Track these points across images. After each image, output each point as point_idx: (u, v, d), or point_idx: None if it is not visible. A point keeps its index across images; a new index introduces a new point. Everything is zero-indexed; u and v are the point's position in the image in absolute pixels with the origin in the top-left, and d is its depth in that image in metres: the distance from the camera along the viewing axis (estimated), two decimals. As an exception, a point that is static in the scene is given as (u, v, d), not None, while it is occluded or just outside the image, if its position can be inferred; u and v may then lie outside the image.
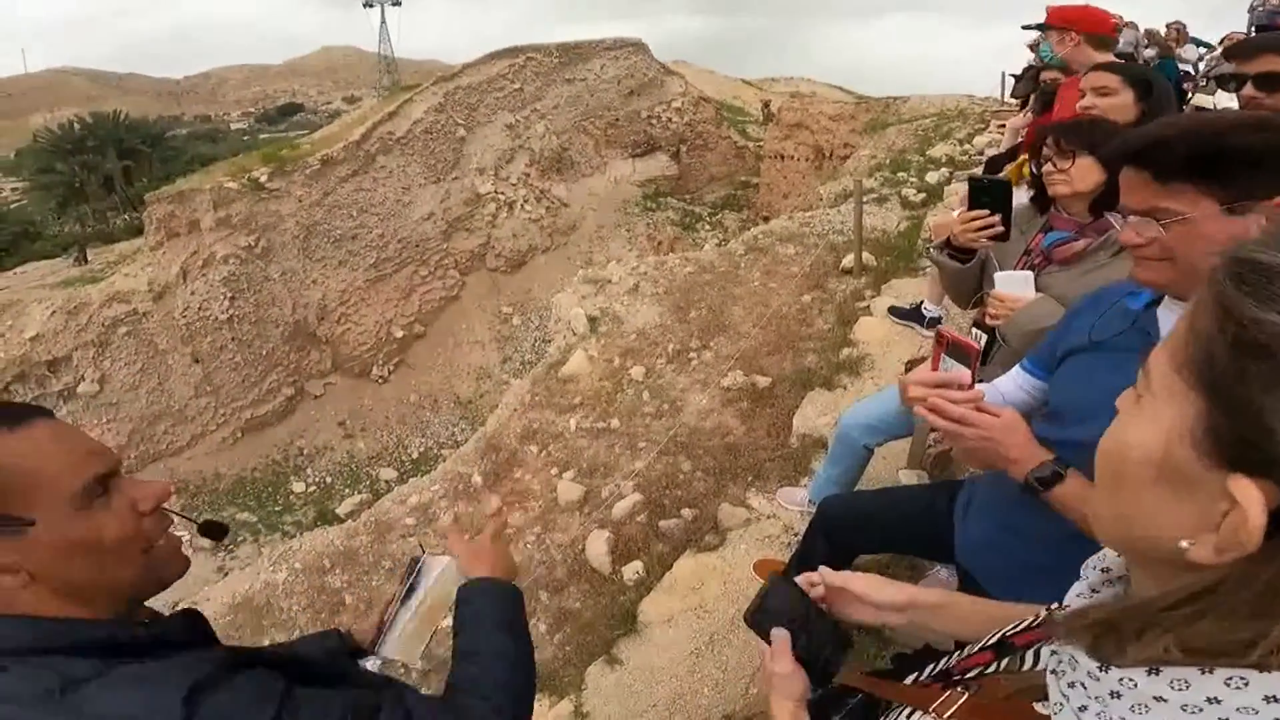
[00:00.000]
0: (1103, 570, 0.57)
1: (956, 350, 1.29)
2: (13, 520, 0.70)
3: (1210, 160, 0.99)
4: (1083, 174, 1.66)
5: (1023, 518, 1.31)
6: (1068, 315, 1.37)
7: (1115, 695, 0.45)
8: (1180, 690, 0.42)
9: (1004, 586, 1.38)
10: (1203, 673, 0.41)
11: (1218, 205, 0.99)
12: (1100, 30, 2.81)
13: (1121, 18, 9.87)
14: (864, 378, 4.37)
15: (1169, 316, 1.14)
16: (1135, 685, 0.44)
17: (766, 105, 29.01)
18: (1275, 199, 0.96)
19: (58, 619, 0.73)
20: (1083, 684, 0.48)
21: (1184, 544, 0.43)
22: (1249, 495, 0.39)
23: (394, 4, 67.16)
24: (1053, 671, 0.53)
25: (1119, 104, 2.08)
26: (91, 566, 0.76)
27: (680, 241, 20.04)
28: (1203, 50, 9.07)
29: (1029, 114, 5.61)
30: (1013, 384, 1.44)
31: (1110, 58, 2.83)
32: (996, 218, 1.74)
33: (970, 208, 1.79)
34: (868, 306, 5.37)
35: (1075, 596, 0.57)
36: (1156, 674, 0.43)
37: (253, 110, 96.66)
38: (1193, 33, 9.32)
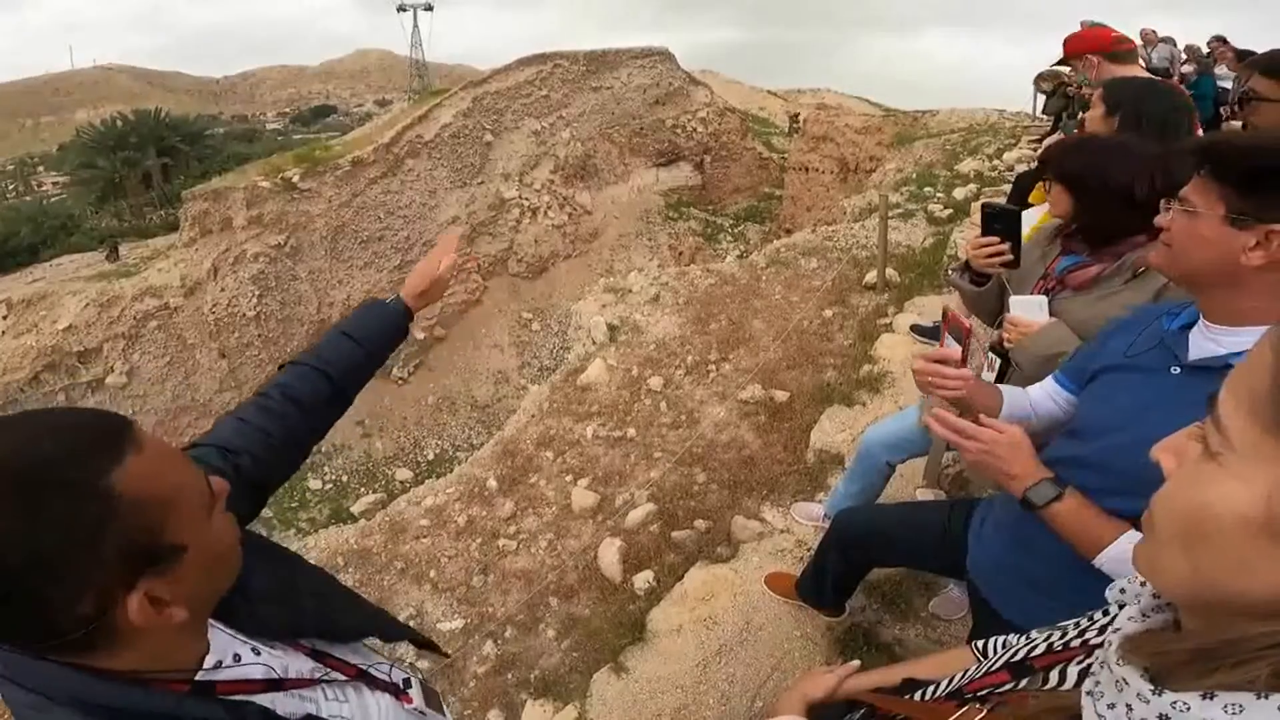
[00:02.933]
0: (1153, 595, 0.57)
1: (954, 328, 1.35)
2: (174, 550, 0.64)
3: (1234, 169, 1.03)
4: (1055, 199, 1.71)
5: (1033, 535, 1.31)
6: (1103, 333, 1.37)
7: (1163, 718, 0.45)
8: (1234, 714, 0.42)
9: (1011, 603, 1.38)
10: (1258, 698, 0.41)
11: (1225, 211, 1.03)
12: (1098, 46, 2.84)
13: (1155, 32, 9.70)
14: (884, 395, 4.32)
15: (1200, 340, 1.13)
16: (1188, 709, 0.44)
17: (794, 117, 28.94)
18: (1273, 224, 0.98)
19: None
20: (1128, 705, 0.48)
21: None
22: None
23: (426, 9, 68.33)
24: (1089, 693, 0.53)
25: (1094, 116, 2.19)
26: (220, 575, 0.73)
27: (702, 252, 20.05)
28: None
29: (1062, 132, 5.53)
30: (1044, 393, 1.45)
31: (1133, 69, 2.82)
32: (1006, 245, 1.77)
33: (983, 233, 1.82)
34: (890, 323, 5.32)
35: (1127, 620, 0.57)
36: (1211, 698, 0.43)
37: (288, 111, 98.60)
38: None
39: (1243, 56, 7.66)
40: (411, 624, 4.04)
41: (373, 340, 1.25)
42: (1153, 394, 1.15)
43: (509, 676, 3.55)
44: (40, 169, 61.65)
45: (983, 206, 1.89)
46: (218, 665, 0.74)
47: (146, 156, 32.84)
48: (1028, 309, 1.70)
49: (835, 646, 2.61)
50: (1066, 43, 2.97)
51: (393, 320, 1.30)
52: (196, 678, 0.72)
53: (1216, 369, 1.07)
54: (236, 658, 0.77)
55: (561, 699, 2.96)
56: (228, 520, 0.74)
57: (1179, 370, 1.13)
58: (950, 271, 2.06)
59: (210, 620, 0.78)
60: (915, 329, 4.80)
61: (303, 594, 0.91)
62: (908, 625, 2.66)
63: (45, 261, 22.29)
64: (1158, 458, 0.53)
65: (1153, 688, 0.46)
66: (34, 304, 15.75)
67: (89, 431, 0.63)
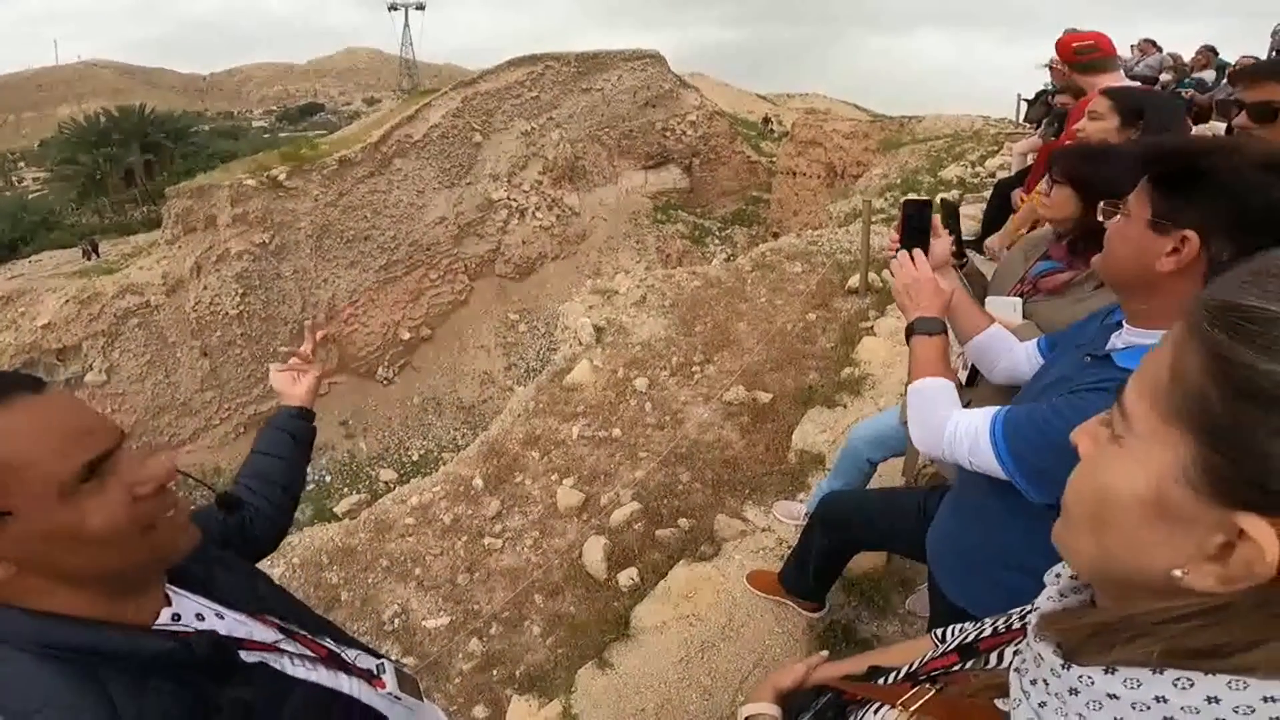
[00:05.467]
0: (1071, 577, 0.60)
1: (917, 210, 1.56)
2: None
3: (1160, 172, 1.04)
4: (1060, 203, 1.71)
5: (968, 506, 1.39)
6: (1094, 314, 1.38)
7: (1073, 692, 0.48)
8: (1132, 688, 0.44)
9: (947, 574, 1.45)
10: (1154, 673, 0.44)
11: (1150, 215, 1.04)
12: (1061, 55, 2.87)
13: (1154, 43, 9.83)
14: (865, 397, 4.39)
15: (1114, 337, 1.16)
16: (1092, 683, 0.46)
17: (765, 120, 29.21)
18: (1186, 230, 0.99)
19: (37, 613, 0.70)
20: (1044, 680, 0.51)
21: (1177, 573, 0.45)
22: (1263, 532, 0.42)
23: (417, 7, 67.98)
24: (1015, 669, 0.56)
25: (1104, 128, 2.16)
26: (80, 554, 0.72)
27: (689, 255, 20.13)
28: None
29: (1038, 138, 5.64)
30: (1025, 353, 1.54)
31: (1115, 78, 2.85)
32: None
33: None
34: (871, 327, 5.40)
35: (1046, 600, 0.60)
36: (1112, 673, 0.46)
37: (275, 108, 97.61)
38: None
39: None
40: (396, 621, 4.04)
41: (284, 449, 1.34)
42: (1059, 377, 1.21)
43: (494, 673, 3.57)
44: (21, 165, 60.68)
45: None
46: (175, 619, 0.78)
47: (129, 153, 32.38)
48: (1003, 309, 1.76)
49: (815, 643, 2.66)
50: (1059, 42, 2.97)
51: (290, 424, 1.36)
52: (154, 626, 0.76)
53: (1100, 357, 1.12)
54: (199, 617, 0.81)
55: (546, 695, 2.99)
56: (112, 511, 0.72)
57: (1088, 359, 1.17)
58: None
59: (176, 589, 0.82)
60: None
61: (266, 598, 0.95)
62: (885, 622, 2.71)
63: (25, 258, 21.95)
64: (1076, 441, 0.56)
65: (1063, 662, 0.49)
66: (13, 300, 15.52)
67: None
